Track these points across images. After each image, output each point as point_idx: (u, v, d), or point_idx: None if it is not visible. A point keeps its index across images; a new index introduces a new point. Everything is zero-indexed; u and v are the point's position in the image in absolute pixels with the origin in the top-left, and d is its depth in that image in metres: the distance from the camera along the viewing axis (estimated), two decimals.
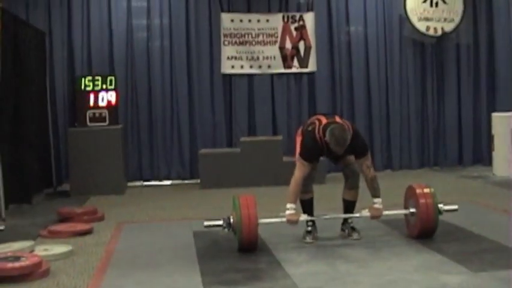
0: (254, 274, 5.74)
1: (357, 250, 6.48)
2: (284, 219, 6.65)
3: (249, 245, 6.49)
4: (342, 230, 7.15)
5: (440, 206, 6.77)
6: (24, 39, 10.02)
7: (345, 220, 7.12)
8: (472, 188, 10.49)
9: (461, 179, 11.40)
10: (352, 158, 6.86)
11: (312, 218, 6.95)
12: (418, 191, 6.86)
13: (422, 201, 6.74)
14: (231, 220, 6.53)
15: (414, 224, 6.88)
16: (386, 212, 6.90)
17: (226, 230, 6.57)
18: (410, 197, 7.01)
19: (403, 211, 7.08)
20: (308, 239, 6.89)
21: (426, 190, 6.87)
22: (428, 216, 6.71)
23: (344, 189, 7.10)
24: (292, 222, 6.66)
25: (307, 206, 7.04)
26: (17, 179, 9.24)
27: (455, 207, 6.97)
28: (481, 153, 12.86)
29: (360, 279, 5.48)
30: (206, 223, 6.69)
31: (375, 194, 6.79)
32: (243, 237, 6.41)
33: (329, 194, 8.64)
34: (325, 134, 6.54)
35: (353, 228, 7.03)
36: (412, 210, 6.86)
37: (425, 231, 6.79)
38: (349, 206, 7.07)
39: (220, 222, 6.58)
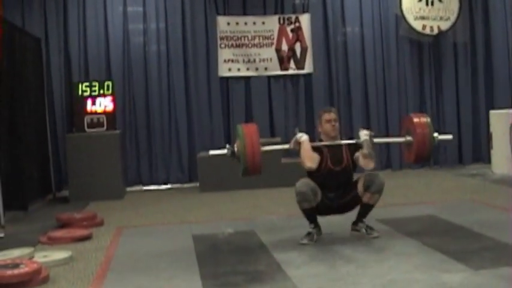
0: (254, 276, 5.72)
1: (357, 250, 6.45)
2: (285, 146, 7.04)
3: (253, 170, 6.60)
4: (356, 229, 7.03)
5: (435, 135, 6.94)
6: (21, 46, 10.02)
7: (358, 219, 7.01)
8: (471, 186, 10.47)
9: (461, 177, 11.39)
10: (360, 185, 6.84)
11: (316, 144, 6.90)
12: (415, 119, 7.02)
13: (419, 130, 6.90)
14: (235, 149, 6.63)
15: (411, 150, 7.04)
16: (382, 140, 7.41)
17: (230, 156, 6.68)
18: (407, 125, 7.17)
19: (400, 139, 7.26)
20: (305, 240, 6.84)
21: (423, 119, 7.04)
22: (425, 143, 6.88)
23: (365, 193, 6.81)
24: (297, 143, 6.81)
25: (310, 214, 6.88)
26: (14, 185, 9.22)
27: (450, 137, 7.33)
28: (481, 151, 12.83)
29: (361, 280, 5.46)
30: (212, 152, 6.99)
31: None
32: (248, 162, 6.51)
33: None
34: (320, 136, 6.96)
35: (370, 227, 6.96)
36: (409, 138, 7.01)
37: (421, 156, 7.00)
38: (365, 209, 6.92)
39: (225, 152, 6.71)
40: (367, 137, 6.80)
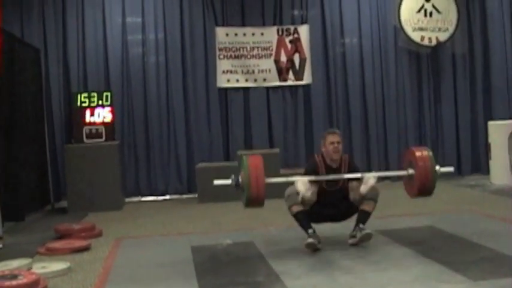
0: (253, 287, 5.71)
1: (356, 261, 6.44)
2: (290, 179, 6.99)
3: (257, 202, 6.61)
4: (353, 236, 7.05)
5: (437, 168, 6.93)
6: (20, 56, 10.03)
7: (356, 226, 7.03)
8: (470, 196, 10.47)
9: (459, 188, 11.38)
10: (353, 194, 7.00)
11: (317, 178, 6.94)
12: (417, 153, 7.01)
13: (421, 163, 6.89)
14: (239, 179, 6.62)
15: (413, 184, 7.04)
16: (384, 174, 7.66)
17: (235, 187, 6.67)
18: (409, 159, 7.15)
19: (402, 172, 7.22)
20: (310, 240, 6.78)
21: (425, 153, 7.04)
22: (427, 176, 6.87)
23: (362, 202, 6.98)
24: (301, 187, 6.79)
25: (302, 218, 6.94)
26: (11, 196, 9.20)
27: (451, 169, 7.28)
28: (479, 162, 12.84)
29: None
30: (216, 182, 6.86)
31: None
32: (252, 194, 6.50)
33: None
34: (322, 153, 7.09)
35: (362, 228, 6.94)
36: (411, 171, 7.00)
37: (423, 189, 6.96)
38: (363, 216, 6.99)
39: (229, 182, 6.71)
40: (374, 181, 6.87)
